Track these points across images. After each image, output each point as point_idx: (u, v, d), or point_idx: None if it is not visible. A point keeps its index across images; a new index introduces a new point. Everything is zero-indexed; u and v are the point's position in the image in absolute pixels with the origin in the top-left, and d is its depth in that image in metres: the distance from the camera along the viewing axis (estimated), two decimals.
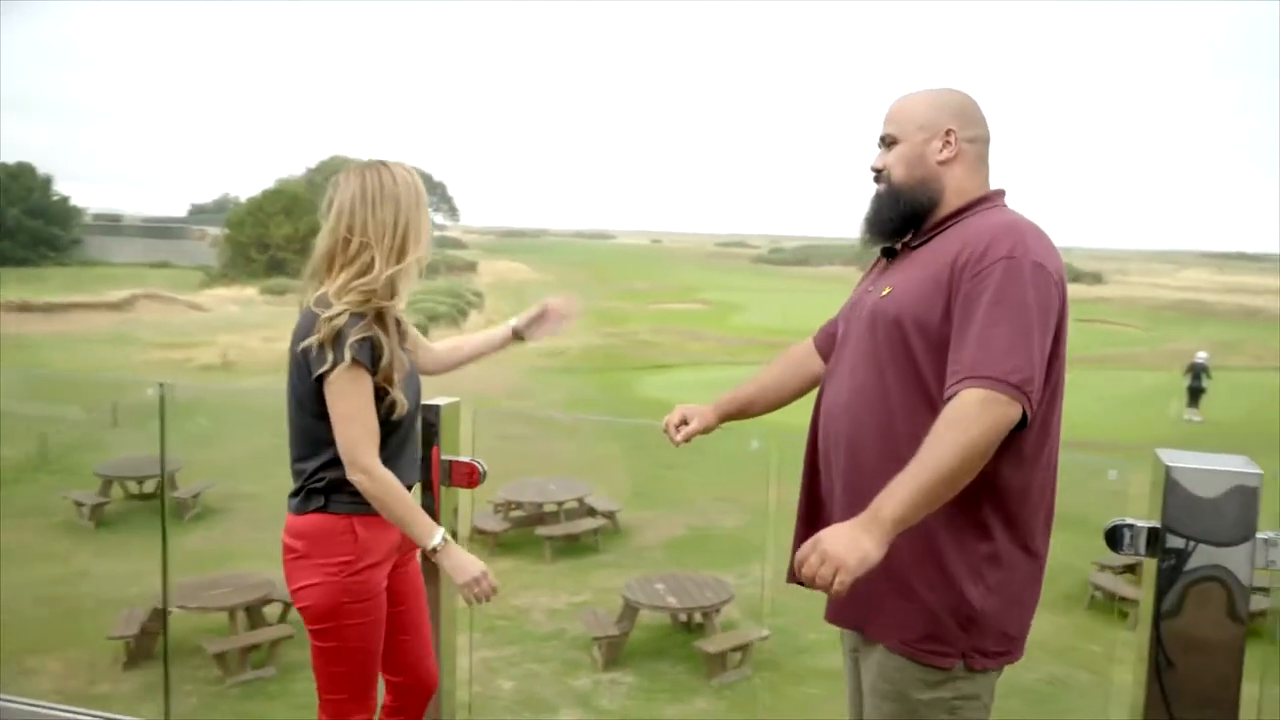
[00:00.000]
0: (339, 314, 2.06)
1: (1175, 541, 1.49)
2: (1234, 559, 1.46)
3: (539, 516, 10.23)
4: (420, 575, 2.38)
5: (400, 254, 2.13)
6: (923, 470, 1.60)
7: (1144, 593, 1.57)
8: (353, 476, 2.06)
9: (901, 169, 1.90)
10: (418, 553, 2.32)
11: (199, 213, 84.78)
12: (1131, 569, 8.93)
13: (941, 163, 1.88)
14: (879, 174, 1.94)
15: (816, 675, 7.14)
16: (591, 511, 10.54)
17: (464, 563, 2.11)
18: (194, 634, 7.40)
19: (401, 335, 2.23)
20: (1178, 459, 1.51)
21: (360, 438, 2.06)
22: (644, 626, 7.78)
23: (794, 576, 1.70)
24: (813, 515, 1.98)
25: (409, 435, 2.26)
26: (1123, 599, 8.40)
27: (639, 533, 10.97)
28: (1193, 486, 1.48)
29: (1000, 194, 1.91)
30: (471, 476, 2.45)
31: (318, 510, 2.13)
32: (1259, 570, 1.48)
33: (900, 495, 1.59)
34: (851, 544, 1.57)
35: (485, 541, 9.54)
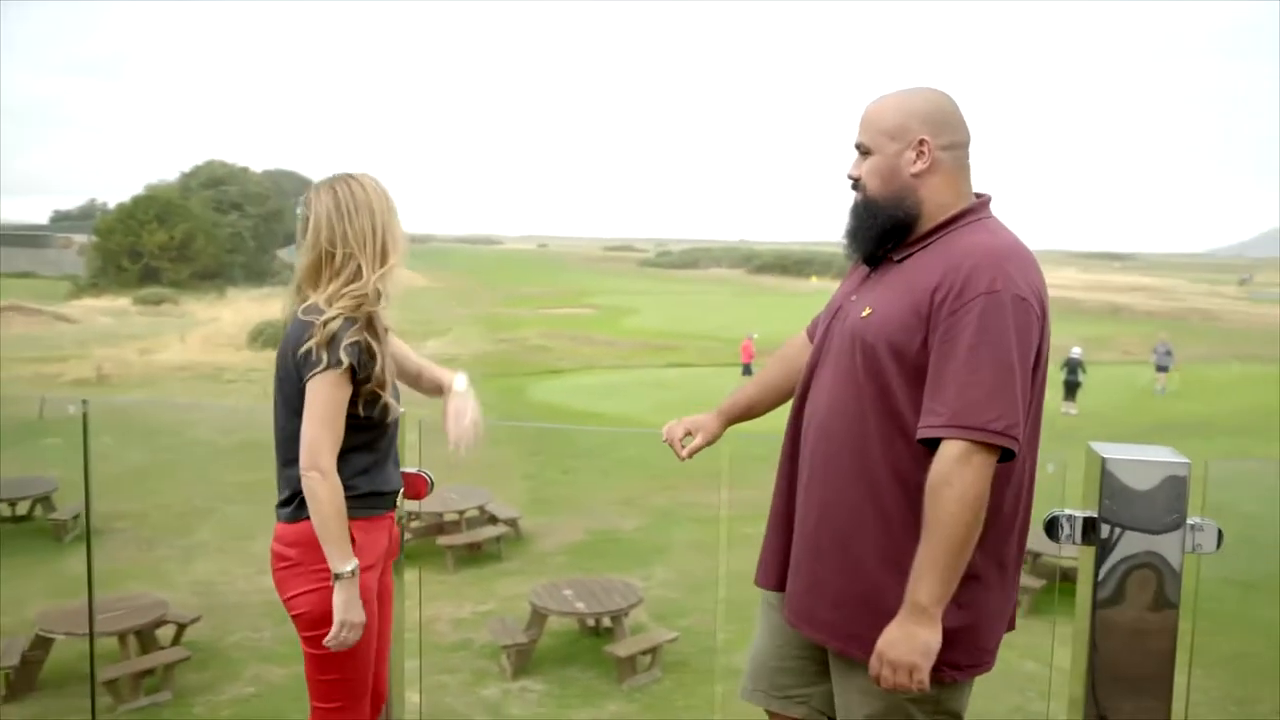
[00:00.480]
0: (334, 318, 2.12)
1: (1111, 530, 1.56)
2: (1166, 545, 1.54)
3: (439, 526, 10.08)
4: (392, 585, 2.40)
5: (382, 259, 2.19)
6: (937, 547, 1.65)
7: (1080, 580, 1.64)
8: (309, 474, 2.09)
9: (876, 182, 1.86)
10: (393, 560, 2.37)
11: (63, 219, 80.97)
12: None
13: (915, 175, 1.83)
14: (856, 183, 1.90)
15: (726, 674, 7.21)
16: (493, 519, 10.43)
17: (354, 604, 2.13)
18: (81, 660, 7.07)
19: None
20: (1112, 451, 1.58)
21: (327, 442, 2.11)
22: (552, 633, 7.74)
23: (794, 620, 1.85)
24: (788, 516, 1.99)
25: (394, 440, 2.30)
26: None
27: (541, 539, 10.91)
28: (1127, 477, 1.55)
29: (983, 204, 1.87)
30: (421, 488, 2.44)
31: (309, 518, 2.15)
32: (1187, 554, 1.57)
33: (929, 579, 1.66)
34: (911, 645, 1.66)
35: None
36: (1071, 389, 21.97)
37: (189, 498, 11.26)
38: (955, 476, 1.63)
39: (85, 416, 3.33)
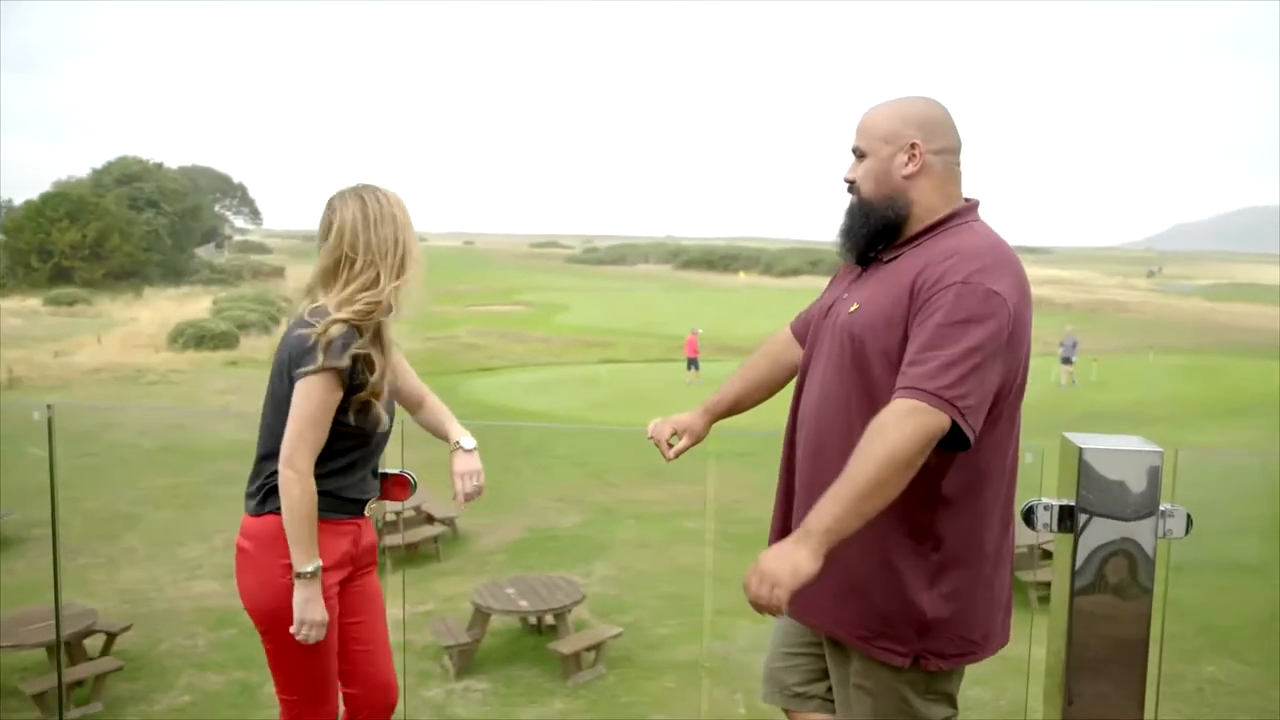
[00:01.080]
0: (339, 321, 2.13)
1: (1088, 518, 1.61)
2: (1141, 532, 1.59)
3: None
4: (379, 590, 2.40)
5: (400, 271, 2.21)
6: (846, 482, 1.67)
7: (1057, 568, 1.69)
8: (284, 472, 2.10)
9: (869, 184, 1.92)
10: (375, 567, 2.38)
11: None
12: None
13: (906, 177, 1.89)
14: (851, 185, 1.97)
15: (670, 668, 7.24)
16: (430, 519, 10.33)
17: (314, 603, 2.14)
18: (6, 674, 6.84)
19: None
20: (1088, 441, 1.63)
21: (308, 442, 2.12)
22: (495, 632, 7.69)
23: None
24: (786, 510, 2.06)
25: (377, 452, 2.29)
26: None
27: (479, 538, 10.85)
28: (1103, 466, 1.60)
29: (971, 208, 1.93)
30: (403, 489, 2.43)
31: (274, 512, 2.16)
32: (1160, 540, 1.62)
33: (826, 508, 1.67)
34: (783, 559, 1.65)
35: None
36: None
37: (112, 503, 10.96)
38: (892, 427, 1.67)
39: (50, 421, 3.23)
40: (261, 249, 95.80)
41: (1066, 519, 1.63)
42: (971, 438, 1.71)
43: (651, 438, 2.31)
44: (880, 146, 1.90)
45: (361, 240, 2.19)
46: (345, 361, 2.12)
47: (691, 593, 9.26)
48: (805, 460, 1.98)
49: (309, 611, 2.14)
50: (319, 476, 2.18)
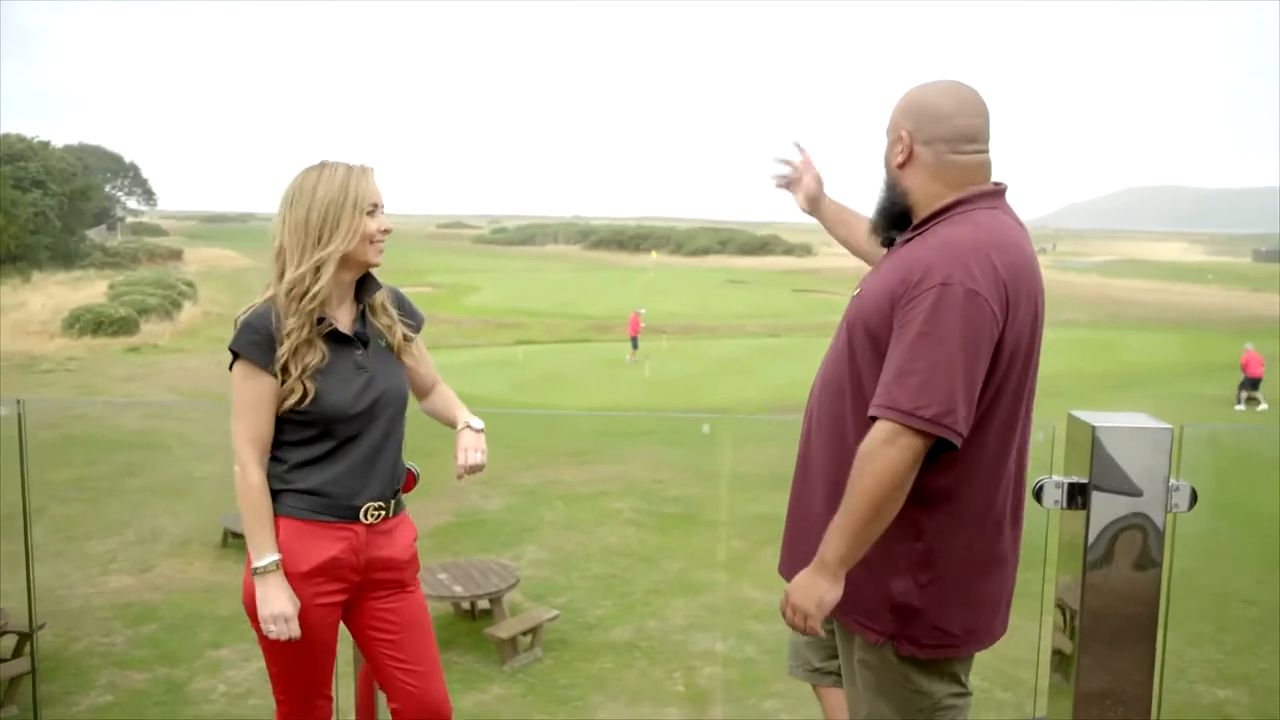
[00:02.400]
0: (252, 305, 2.10)
1: (1101, 495, 1.63)
2: (1151, 506, 1.62)
3: None
4: (423, 607, 2.29)
5: (313, 249, 2.10)
6: (847, 512, 1.77)
7: (1065, 545, 1.71)
8: (234, 467, 2.08)
9: (883, 171, 1.99)
10: (414, 583, 2.29)
11: None
12: None
13: (899, 166, 1.93)
14: None
15: (606, 649, 7.25)
16: None
17: (276, 595, 2.06)
18: None
19: (393, 340, 2.23)
20: (1099, 419, 1.65)
21: (240, 434, 2.09)
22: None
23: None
24: (796, 491, 2.12)
25: (359, 441, 2.16)
26: None
27: None
28: (1115, 443, 1.63)
29: (976, 196, 1.90)
30: (407, 481, 2.33)
31: None
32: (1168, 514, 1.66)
33: (835, 539, 1.79)
34: (809, 593, 1.81)
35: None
36: None
37: (10, 498, 10.48)
38: (879, 453, 1.74)
39: (21, 417, 3.05)
40: (157, 231, 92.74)
41: (1077, 496, 1.66)
42: (957, 443, 1.76)
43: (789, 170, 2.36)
44: (888, 134, 1.96)
45: (286, 223, 2.11)
46: (237, 340, 2.07)
47: (622, 573, 9.29)
48: (809, 449, 2.04)
49: (267, 607, 2.06)
50: (293, 469, 2.11)
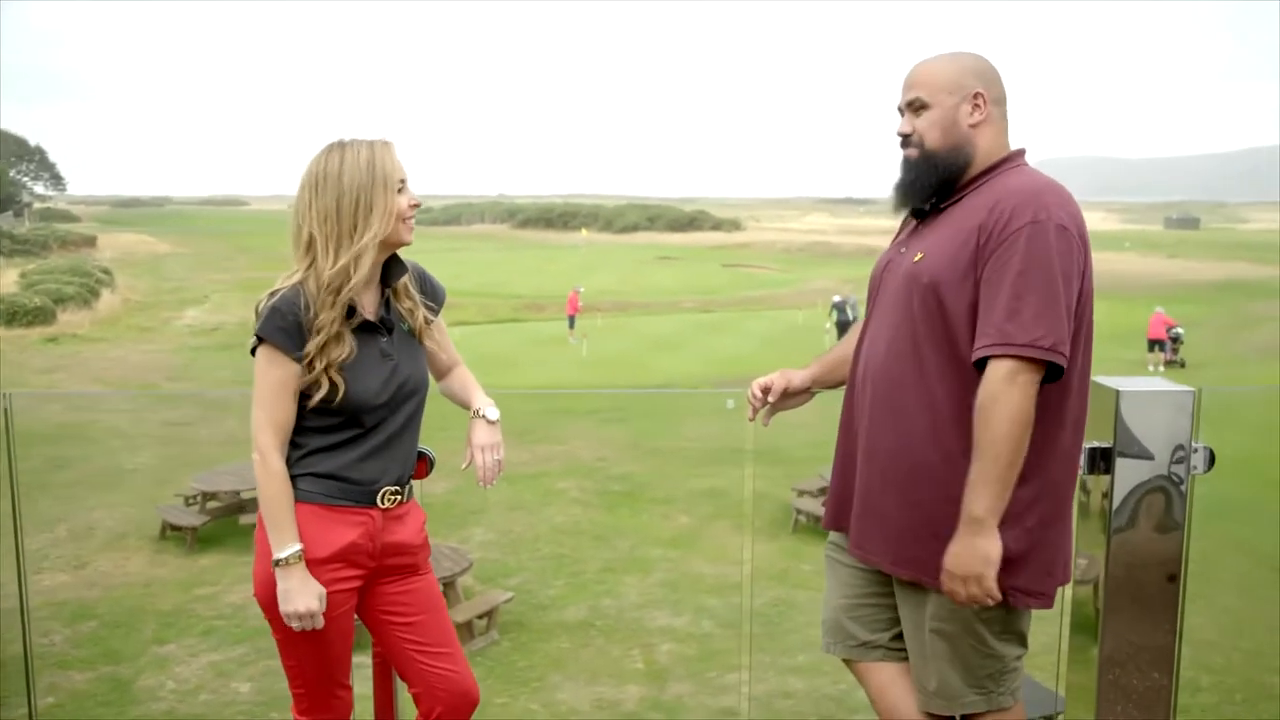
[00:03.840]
0: (275, 290, 2.01)
1: (1126, 459, 1.63)
2: (1174, 469, 1.62)
3: (239, 505, 9.51)
4: (436, 589, 2.25)
5: (345, 241, 2.02)
6: (989, 462, 1.74)
7: (1088, 508, 1.71)
8: (253, 455, 2.02)
9: (936, 134, 1.94)
10: (427, 565, 2.25)
11: None
12: (826, 490, 9.75)
13: (973, 126, 1.94)
14: (907, 139, 1.98)
15: (562, 629, 7.21)
16: None
17: (300, 590, 1.99)
18: None
19: (414, 324, 2.18)
20: (1124, 384, 1.65)
21: (261, 421, 2.01)
22: None
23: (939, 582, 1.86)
24: (849, 470, 2.09)
25: (381, 429, 2.10)
26: (819, 519, 9.16)
27: None
28: (1140, 407, 1.63)
29: (1021, 153, 1.98)
30: (421, 467, 2.26)
31: None
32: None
33: (983, 492, 1.75)
34: (974, 556, 1.76)
35: (182, 539, 8.73)
36: (843, 329, 23.31)
37: None
38: (1002, 394, 1.74)
39: (8, 412, 2.90)
40: (67, 216, 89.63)
41: (1100, 460, 1.66)
42: (1065, 367, 1.78)
43: (762, 392, 2.24)
44: (945, 98, 1.94)
45: (314, 210, 2.02)
46: (263, 327, 1.98)
47: (572, 553, 9.25)
48: (876, 417, 1.99)
49: (289, 603, 1.99)
50: (311, 454, 2.04)
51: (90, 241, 59.32)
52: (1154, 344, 22.20)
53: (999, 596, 1.79)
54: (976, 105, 1.94)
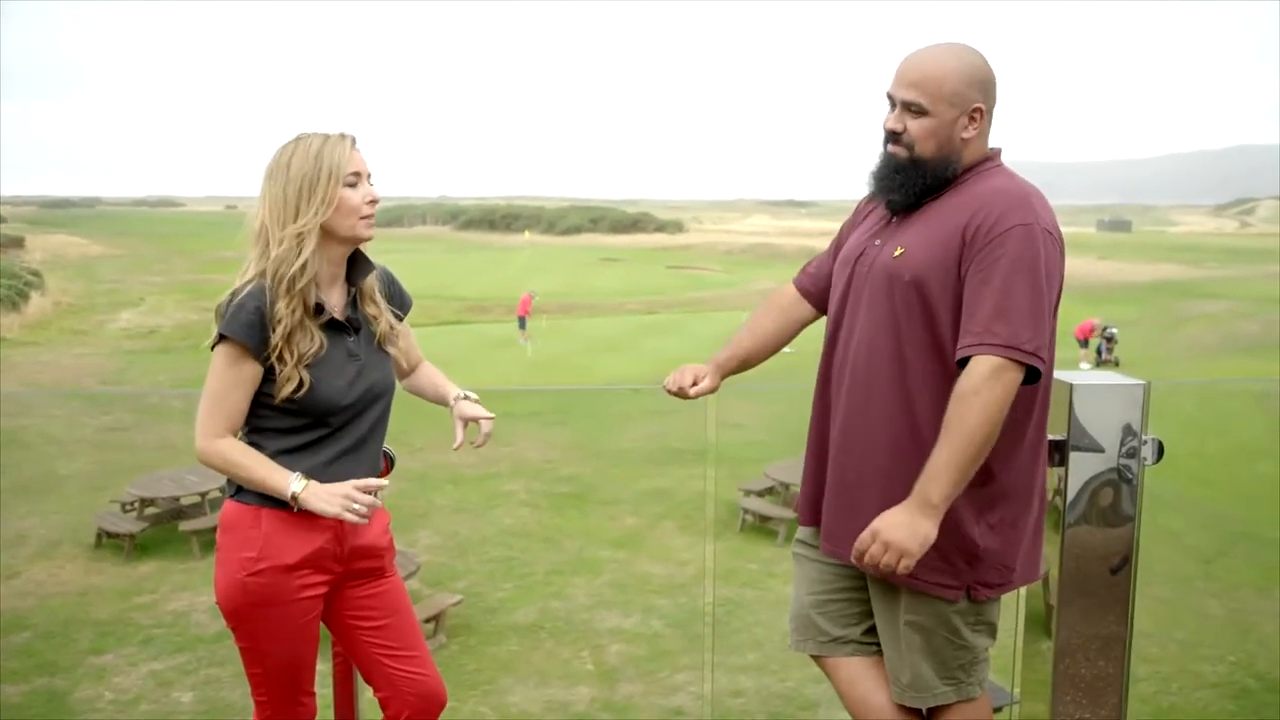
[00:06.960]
0: (236, 289, 1.98)
1: (1080, 452, 1.66)
2: (1127, 461, 1.66)
3: (178, 511, 9.32)
4: (403, 592, 2.21)
5: (291, 221, 2.00)
6: (954, 447, 1.74)
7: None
8: (200, 452, 1.98)
9: (931, 145, 1.91)
10: (392, 566, 2.21)
11: None
12: (773, 490, 9.80)
13: (965, 139, 1.93)
14: (896, 137, 1.94)
15: (511, 632, 7.17)
16: None
17: (328, 494, 1.94)
18: None
19: (378, 329, 2.13)
20: (1077, 378, 1.68)
21: (206, 412, 1.96)
22: None
23: (855, 557, 1.84)
24: (821, 465, 2.08)
25: (348, 432, 2.07)
26: (766, 519, 9.21)
27: None
28: (1092, 401, 1.66)
29: (998, 152, 1.99)
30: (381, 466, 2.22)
31: (233, 496, 2.03)
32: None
33: (942, 476, 1.75)
34: (911, 531, 1.75)
35: (119, 545, 8.54)
36: None
37: None
38: (984, 388, 1.75)
39: None
40: None
41: (1055, 453, 1.69)
42: (1044, 372, 1.80)
43: (674, 388, 2.21)
44: (945, 109, 1.90)
45: (266, 199, 2.01)
46: (228, 324, 1.94)
47: (520, 555, 9.19)
48: (852, 413, 1.99)
49: (332, 503, 1.92)
50: (274, 457, 1.99)
51: (18, 243, 57.70)
52: (1083, 343, 23.18)
53: (909, 574, 1.80)
54: (973, 119, 1.92)
